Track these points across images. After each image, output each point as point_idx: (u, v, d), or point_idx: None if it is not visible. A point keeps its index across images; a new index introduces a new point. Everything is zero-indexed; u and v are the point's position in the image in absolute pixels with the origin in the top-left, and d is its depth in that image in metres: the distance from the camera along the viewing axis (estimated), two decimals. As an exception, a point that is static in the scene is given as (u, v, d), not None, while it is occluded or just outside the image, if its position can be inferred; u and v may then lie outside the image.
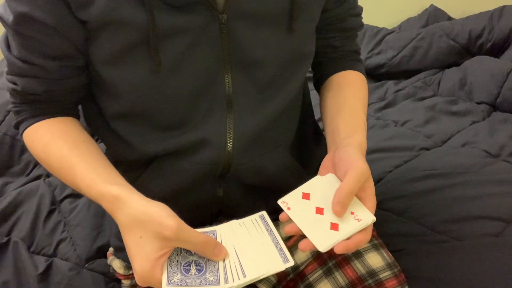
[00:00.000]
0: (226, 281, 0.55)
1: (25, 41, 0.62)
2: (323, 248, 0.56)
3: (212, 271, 0.56)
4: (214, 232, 0.62)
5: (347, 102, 0.75)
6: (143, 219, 0.56)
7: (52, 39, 0.61)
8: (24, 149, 1.32)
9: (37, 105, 0.69)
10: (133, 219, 0.57)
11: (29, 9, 0.58)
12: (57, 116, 0.70)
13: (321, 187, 0.62)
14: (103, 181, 0.61)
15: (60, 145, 0.67)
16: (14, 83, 0.67)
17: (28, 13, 0.58)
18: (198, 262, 0.57)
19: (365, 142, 0.68)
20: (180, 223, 0.56)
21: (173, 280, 0.55)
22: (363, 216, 0.58)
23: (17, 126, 0.72)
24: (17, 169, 1.29)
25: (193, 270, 0.57)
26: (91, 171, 0.63)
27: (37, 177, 1.25)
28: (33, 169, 1.29)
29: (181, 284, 0.55)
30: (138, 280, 0.57)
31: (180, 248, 0.59)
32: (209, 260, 0.58)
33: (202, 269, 0.57)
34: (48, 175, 1.27)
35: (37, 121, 0.69)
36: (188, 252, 0.59)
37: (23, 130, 0.70)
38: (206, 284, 0.55)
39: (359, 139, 0.67)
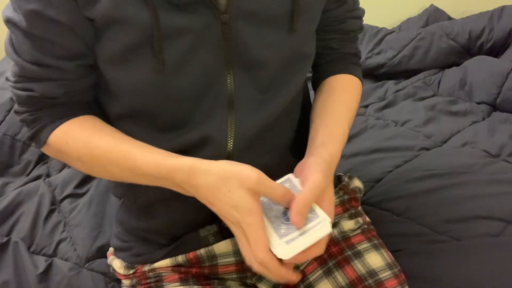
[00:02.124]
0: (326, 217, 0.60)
1: (38, 43, 0.61)
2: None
3: (310, 221, 0.60)
4: (289, 180, 0.65)
5: (332, 109, 0.76)
6: (226, 176, 0.59)
7: (65, 38, 0.61)
8: (24, 149, 1.32)
9: (56, 108, 0.68)
10: (216, 178, 0.59)
11: (40, 7, 0.57)
12: (79, 116, 0.69)
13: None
14: (168, 156, 0.63)
15: (103, 137, 0.66)
16: (30, 90, 0.65)
17: (39, 10, 0.58)
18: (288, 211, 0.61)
19: (337, 153, 0.69)
20: (260, 174, 0.59)
21: (281, 232, 0.59)
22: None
23: (35, 135, 0.69)
24: (17, 169, 1.29)
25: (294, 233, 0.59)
26: (149, 152, 0.63)
27: (37, 177, 1.26)
28: (33, 169, 1.29)
29: (288, 234, 0.58)
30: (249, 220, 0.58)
31: (270, 204, 0.62)
32: None
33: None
34: (48, 175, 1.27)
35: (63, 123, 0.67)
36: (278, 204, 0.62)
37: (48, 135, 0.67)
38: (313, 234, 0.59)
39: (331, 149, 0.68)
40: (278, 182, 0.64)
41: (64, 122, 0.67)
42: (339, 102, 0.77)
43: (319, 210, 0.61)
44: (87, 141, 0.66)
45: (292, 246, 0.58)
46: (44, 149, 0.70)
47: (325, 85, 0.81)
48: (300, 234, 0.58)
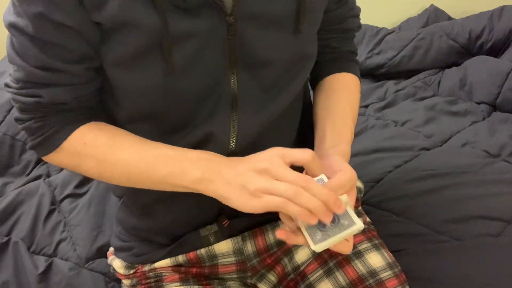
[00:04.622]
0: (359, 220, 0.59)
1: (45, 47, 0.60)
2: (316, 247, 0.59)
3: (344, 216, 0.60)
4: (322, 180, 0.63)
5: (337, 108, 0.76)
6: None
7: (72, 41, 0.60)
8: (24, 149, 1.32)
9: (64, 114, 0.67)
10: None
11: (46, 10, 0.57)
12: (88, 121, 0.68)
13: None
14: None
15: (125, 136, 0.66)
16: (37, 96, 0.64)
17: (45, 13, 0.57)
18: None
19: (349, 152, 0.70)
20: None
21: (317, 239, 0.59)
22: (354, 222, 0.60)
23: (44, 141, 0.66)
24: (17, 169, 1.29)
25: (327, 224, 0.60)
26: (173, 146, 0.65)
27: (37, 177, 1.25)
28: (33, 169, 1.29)
29: (325, 239, 0.59)
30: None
31: None
32: None
33: (335, 219, 0.60)
34: (48, 175, 1.27)
35: (76, 127, 0.66)
36: None
37: (62, 140, 0.66)
38: (345, 229, 0.59)
39: (343, 149, 0.69)
40: None
41: (78, 126, 0.66)
42: (343, 101, 0.77)
43: (353, 215, 0.60)
44: (111, 139, 0.65)
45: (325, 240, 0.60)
46: (50, 157, 0.68)
47: (325, 84, 0.81)
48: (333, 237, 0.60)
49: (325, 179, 0.62)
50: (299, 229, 0.61)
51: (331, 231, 0.60)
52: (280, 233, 0.61)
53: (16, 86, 0.64)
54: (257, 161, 0.59)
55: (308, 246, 0.60)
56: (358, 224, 0.58)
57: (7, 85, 0.66)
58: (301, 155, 0.59)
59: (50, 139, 0.66)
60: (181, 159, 0.63)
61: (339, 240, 0.60)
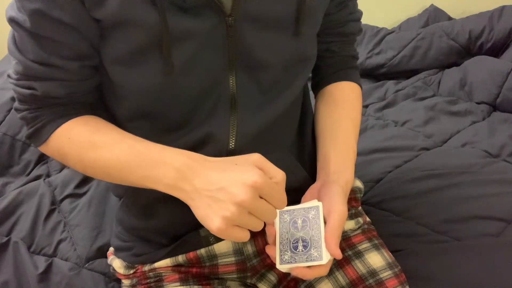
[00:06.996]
0: (328, 257, 0.62)
1: (42, 43, 0.61)
2: (281, 267, 0.64)
3: (316, 247, 0.63)
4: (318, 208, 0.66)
5: (341, 126, 0.77)
6: (234, 157, 0.61)
7: (70, 38, 0.61)
8: (24, 149, 1.32)
9: (57, 107, 0.68)
10: (226, 159, 0.61)
11: (45, 7, 0.57)
12: (81, 115, 0.68)
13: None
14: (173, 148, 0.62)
15: (108, 132, 0.65)
16: (32, 88, 0.65)
17: (43, 10, 0.57)
18: (304, 238, 0.64)
19: (352, 179, 0.73)
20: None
21: (284, 259, 0.64)
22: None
23: (35, 133, 0.68)
24: (17, 169, 1.29)
25: (300, 247, 0.63)
26: (153, 144, 0.63)
27: (37, 177, 1.25)
28: (33, 169, 1.29)
29: (291, 262, 0.63)
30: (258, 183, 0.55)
31: (289, 225, 0.65)
32: (313, 236, 0.64)
33: (308, 245, 0.63)
34: (48, 175, 1.27)
35: (65, 121, 0.67)
36: (296, 228, 0.65)
37: (50, 133, 0.67)
38: (311, 260, 0.62)
39: (347, 176, 0.71)
40: (307, 207, 0.67)
41: (66, 121, 0.67)
42: (346, 119, 0.78)
43: (325, 250, 0.63)
44: (91, 135, 0.65)
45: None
46: (43, 148, 0.70)
47: (328, 95, 0.82)
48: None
49: (321, 210, 0.65)
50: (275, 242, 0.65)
51: (299, 257, 0.63)
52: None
53: (15, 77, 0.66)
54: (237, 182, 0.56)
55: (275, 260, 0.64)
56: (324, 260, 0.62)
57: (9, 76, 0.68)
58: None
59: (40, 131, 0.68)
60: (155, 163, 0.61)
61: (302, 267, 0.63)
